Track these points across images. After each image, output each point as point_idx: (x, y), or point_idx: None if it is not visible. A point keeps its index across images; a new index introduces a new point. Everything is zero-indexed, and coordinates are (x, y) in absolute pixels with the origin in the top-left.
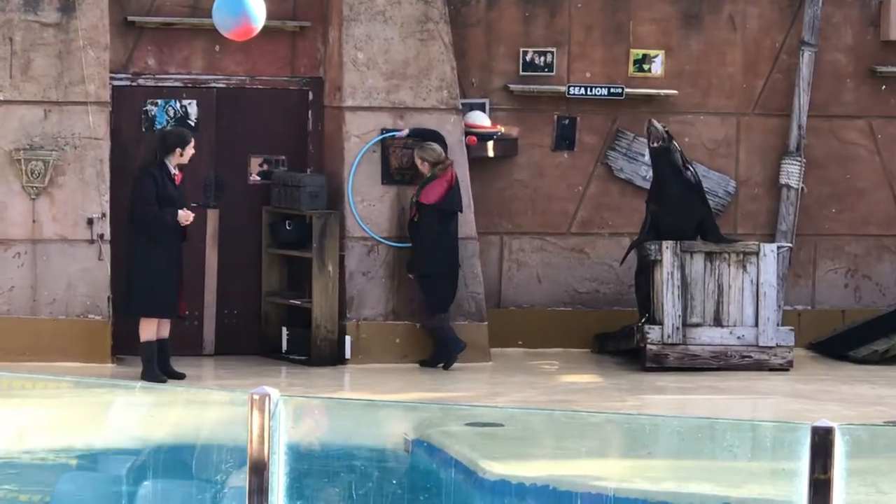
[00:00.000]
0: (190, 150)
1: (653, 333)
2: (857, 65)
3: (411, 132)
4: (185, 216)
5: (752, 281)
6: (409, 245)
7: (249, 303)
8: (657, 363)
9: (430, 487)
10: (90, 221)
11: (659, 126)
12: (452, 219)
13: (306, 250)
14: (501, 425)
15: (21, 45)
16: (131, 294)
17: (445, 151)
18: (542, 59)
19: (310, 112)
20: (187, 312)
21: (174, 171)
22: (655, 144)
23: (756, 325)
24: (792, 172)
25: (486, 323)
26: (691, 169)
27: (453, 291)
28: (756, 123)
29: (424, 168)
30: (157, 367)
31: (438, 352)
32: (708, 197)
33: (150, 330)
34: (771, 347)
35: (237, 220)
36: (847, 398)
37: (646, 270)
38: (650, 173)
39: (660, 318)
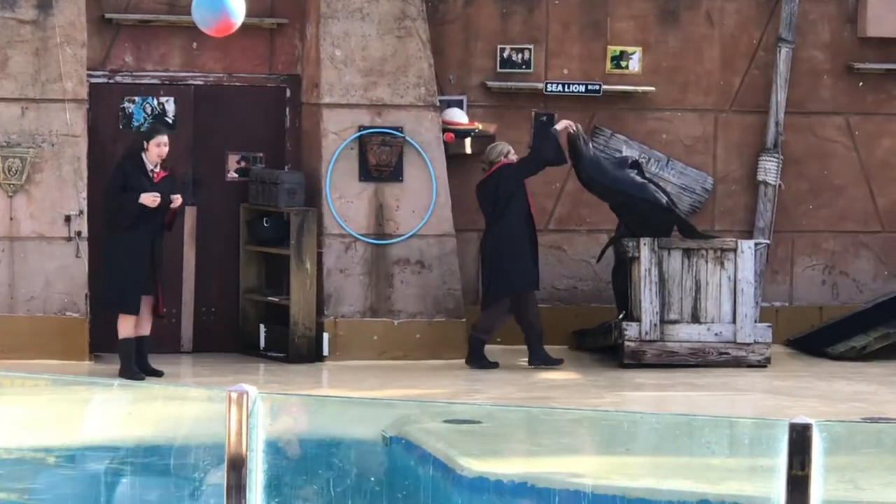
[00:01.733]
0: (154, 147)
1: (630, 330)
2: (834, 61)
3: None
4: (148, 198)
5: (729, 277)
6: (391, 242)
7: (227, 300)
8: (635, 360)
9: (408, 484)
10: (68, 219)
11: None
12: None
13: (284, 247)
14: (479, 422)
15: None
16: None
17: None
18: (520, 55)
19: (287, 109)
20: (165, 310)
21: (152, 167)
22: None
23: (734, 321)
24: (769, 169)
25: (464, 320)
26: (635, 180)
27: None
28: (733, 120)
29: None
30: (135, 364)
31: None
32: (685, 194)
33: (128, 327)
34: (748, 344)
35: (215, 217)
36: (825, 395)
37: (623, 267)
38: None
39: (637, 314)
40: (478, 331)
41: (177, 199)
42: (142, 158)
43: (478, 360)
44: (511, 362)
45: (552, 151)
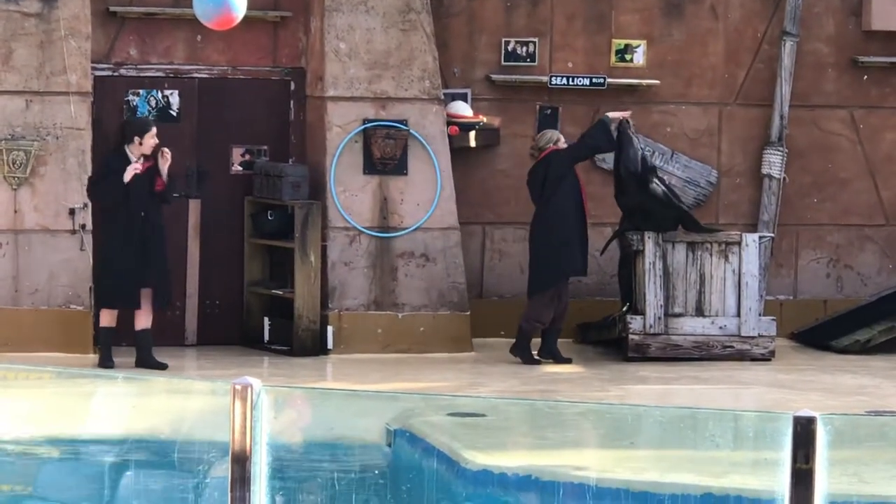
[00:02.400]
0: (150, 140)
1: (635, 323)
2: (838, 55)
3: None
4: (129, 172)
5: (734, 271)
6: (396, 235)
7: (231, 293)
8: (639, 353)
9: (413, 477)
10: (72, 212)
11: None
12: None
13: (288, 240)
14: (483, 415)
15: (2, 35)
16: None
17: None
18: (524, 49)
19: (292, 102)
20: (163, 303)
21: (136, 160)
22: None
23: (738, 314)
24: (774, 162)
25: (468, 313)
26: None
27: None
28: (738, 113)
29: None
30: (137, 359)
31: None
32: (689, 187)
33: (108, 316)
34: (753, 337)
35: (219, 211)
36: (829, 388)
37: (628, 260)
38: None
39: (642, 308)
40: (525, 320)
41: (165, 154)
42: (125, 152)
43: (521, 351)
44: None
45: (602, 138)
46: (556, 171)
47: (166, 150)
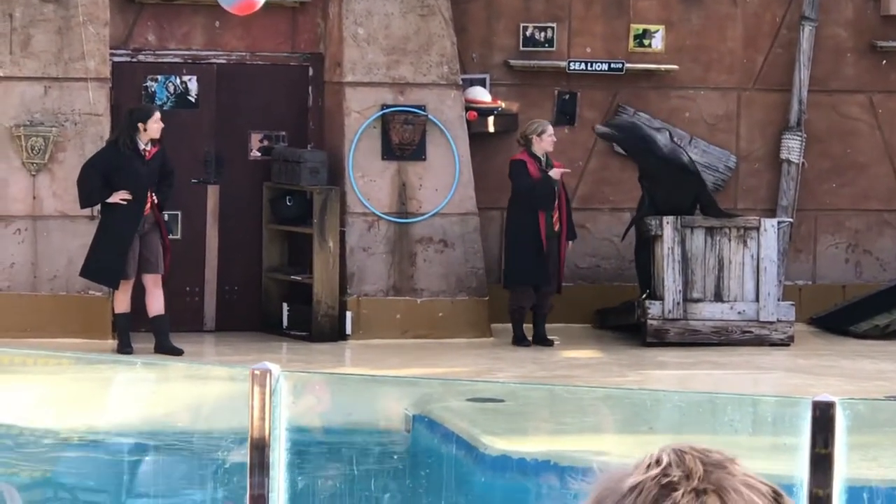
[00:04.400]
0: (154, 125)
1: (653, 309)
2: (857, 39)
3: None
4: (116, 197)
5: (752, 256)
6: (414, 220)
7: (250, 279)
8: (658, 338)
9: (431, 463)
10: None
11: (599, 129)
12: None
13: (307, 226)
14: (502, 401)
15: (21, 21)
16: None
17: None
18: (543, 34)
19: (310, 88)
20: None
21: (144, 146)
22: (607, 131)
23: (757, 300)
24: (792, 147)
25: (486, 298)
26: (672, 145)
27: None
28: (756, 98)
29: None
30: (156, 344)
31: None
32: (708, 172)
33: (121, 301)
34: (772, 322)
35: (238, 196)
36: (848, 373)
37: (646, 246)
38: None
39: (660, 293)
40: (510, 309)
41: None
42: (134, 139)
43: (513, 335)
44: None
45: (546, 194)
46: (515, 185)
47: (124, 196)
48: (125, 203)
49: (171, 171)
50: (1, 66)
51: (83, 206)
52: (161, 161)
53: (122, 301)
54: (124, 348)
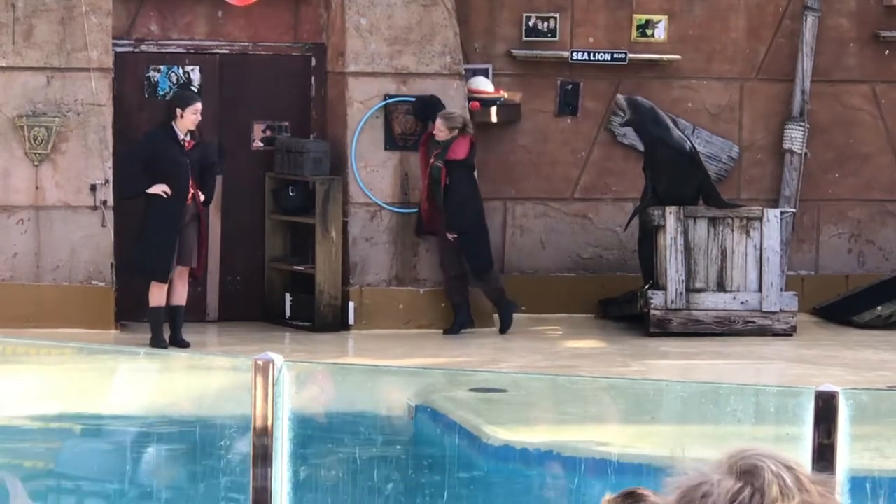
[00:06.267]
0: (191, 115)
1: (656, 299)
2: (860, 29)
3: (415, 101)
4: (158, 189)
5: (755, 246)
6: (413, 210)
7: (253, 269)
8: (661, 328)
9: (434, 453)
10: (93, 188)
11: (620, 98)
12: (474, 174)
13: (309, 216)
14: (505, 391)
15: (23, 11)
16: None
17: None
18: (546, 24)
19: (313, 78)
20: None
21: (183, 136)
22: (622, 119)
23: (759, 290)
24: (795, 137)
25: None
26: (680, 134)
27: (490, 246)
28: (759, 88)
29: (444, 134)
30: (170, 336)
31: (462, 318)
32: (711, 162)
33: (157, 296)
34: (774, 313)
35: (240, 186)
36: (851, 363)
37: (649, 236)
38: None
39: (663, 283)
40: (496, 295)
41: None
42: (172, 127)
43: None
44: (536, 330)
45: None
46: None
47: (163, 188)
48: (166, 195)
49: (213, 162)
50: (4, 56)
51: (120, 198)
52: (203, 154)
53: (158, 295)
54: (158, 342)
